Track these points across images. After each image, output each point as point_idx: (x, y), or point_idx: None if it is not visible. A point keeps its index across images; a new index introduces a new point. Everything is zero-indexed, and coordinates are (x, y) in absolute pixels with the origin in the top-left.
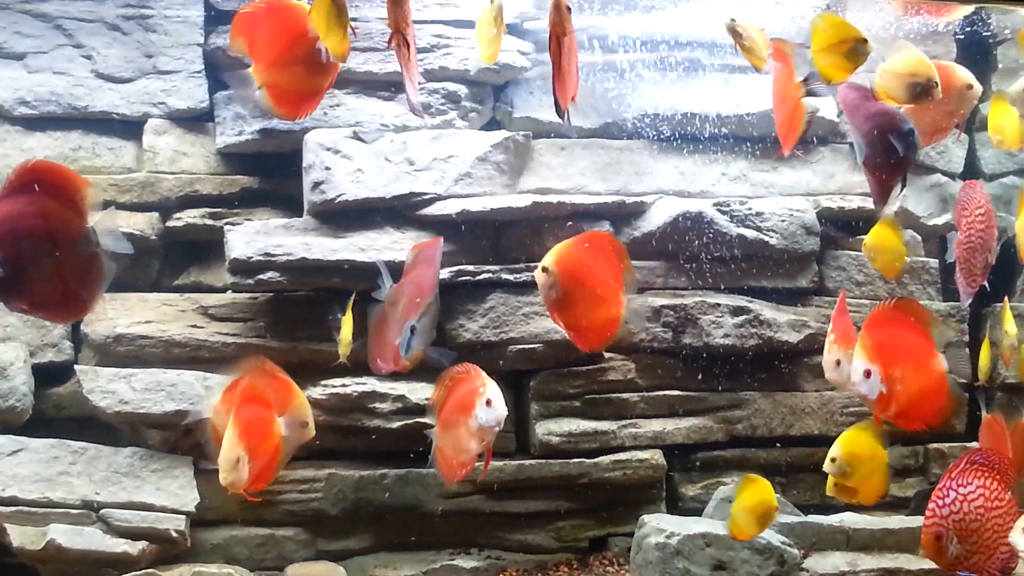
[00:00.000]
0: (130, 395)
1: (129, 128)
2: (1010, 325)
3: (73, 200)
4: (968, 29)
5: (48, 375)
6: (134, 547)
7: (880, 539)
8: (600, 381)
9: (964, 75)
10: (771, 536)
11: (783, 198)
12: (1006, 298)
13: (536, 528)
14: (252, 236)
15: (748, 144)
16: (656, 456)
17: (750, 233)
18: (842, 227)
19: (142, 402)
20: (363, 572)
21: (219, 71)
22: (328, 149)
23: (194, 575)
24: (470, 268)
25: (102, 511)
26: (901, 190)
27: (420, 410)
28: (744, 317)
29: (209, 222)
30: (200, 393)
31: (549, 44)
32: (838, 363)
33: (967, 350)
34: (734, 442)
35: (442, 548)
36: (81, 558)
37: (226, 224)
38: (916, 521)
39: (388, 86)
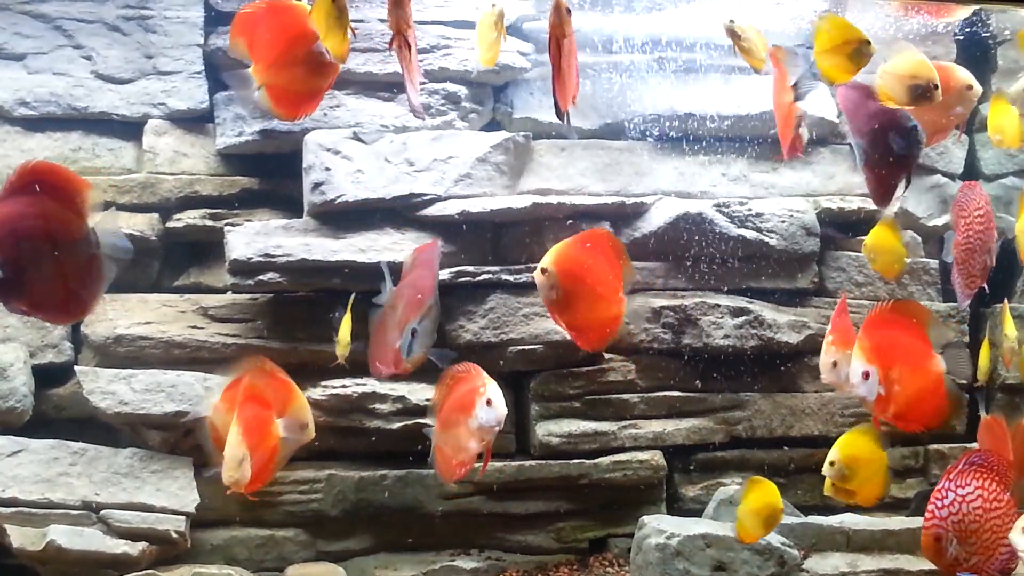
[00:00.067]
0: (130, 396)
1: (129, 129)
2: (1010, 328)
3: (73, 201)
4: (968, 30)
5: (48, 376)
6: (134, 548)
7: (880, 540)
8: (600, 382)
9: (964, 76)
10: (771, 537)
11: (783, 199)
12: (1005, 300)
13: (536, 529)
14: (252, 237)
15: (748, 145)
16: (656, 457)
17: (750, 234)
18: (842, 228)
19: (142, 403)
20: (363, 573)
21: (219, 72)
22: (328, 150)
23: (194, 575)
24: (470, 269)
25: (102, 512)
26: (905, 188)
27: (420, 411)
28: (744, 318)
29: (209, 223)
30: (200, 394)
31: (549, 46)
32: (835, 364)
33: (967, 351)
34: (734, 443)
35: (442, 549)
36: (81, 559)
37: (226, 225)
38: (916, 522)
39: (388, 87)
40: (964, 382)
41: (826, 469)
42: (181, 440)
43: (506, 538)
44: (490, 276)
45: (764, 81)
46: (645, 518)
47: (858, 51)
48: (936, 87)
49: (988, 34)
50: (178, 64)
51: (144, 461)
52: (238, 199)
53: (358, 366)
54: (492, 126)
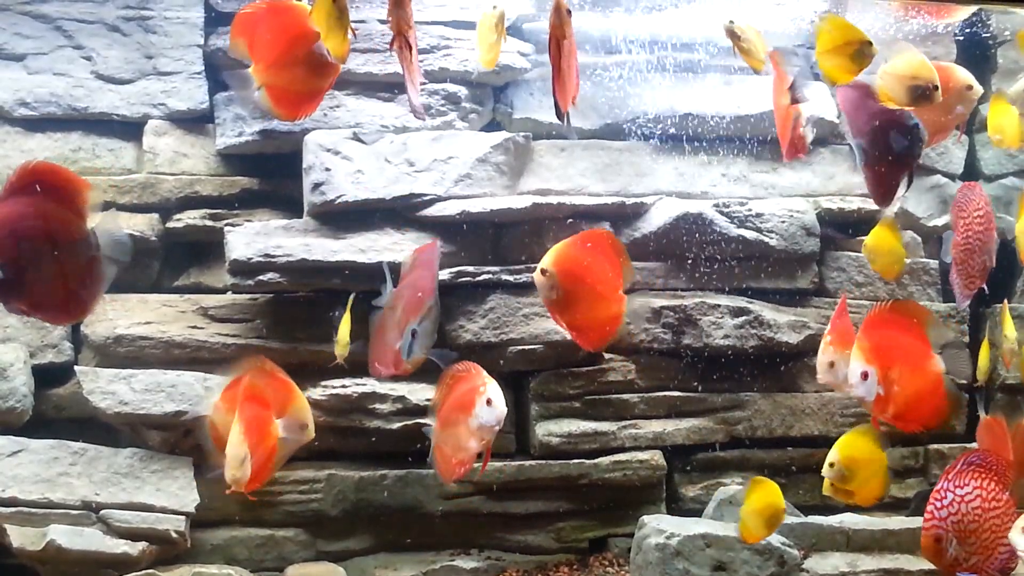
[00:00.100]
0: (130, 396)
1: (129, 129)
2: (1010, 329)
3: (74, 202)
4: (968, 30)
5: (48, 376)
6: (134, 548)
7: (880, 540)
8: (600, 382)
9: (964, 76)
10: (771, 537)
11: (783, 199)
12: (1005, 300)
13: (536, 529)
14: (252, 237)
15: (748, 145)
16: (656, 457)
17: (750, 234)
18: (842, 228)
19: (142, 403)
20: (363, 573)
21: (219, 72)
22: (328, 150)
23: (194, 575)
24: (470, 269)
25: (102, 512)
26: (908, 187)
27: (420, 411)
28: (744, 318)
29: (209, 223)
30: (200, 394)
31: (549, 47)
32: (832, 365)
33: (966, 351)
34: (734, 443)
35: (442, 549)
36: (81, 559)
37: (226, 225)
38: (916, 522)
39: (388, 87)
40: (964, 382)
41: (826, 470)
42: (181, 440)
43: (506, 538)
44: (490, 276)
45: (764, 81)
46: (645, 518)
47: (860, 52)
48: (936, 88)
49: (988, 34)
50: (178, 64)
51: (144, 461)
52: (238, 199)
53: (358, 366)
54: (492, 126)
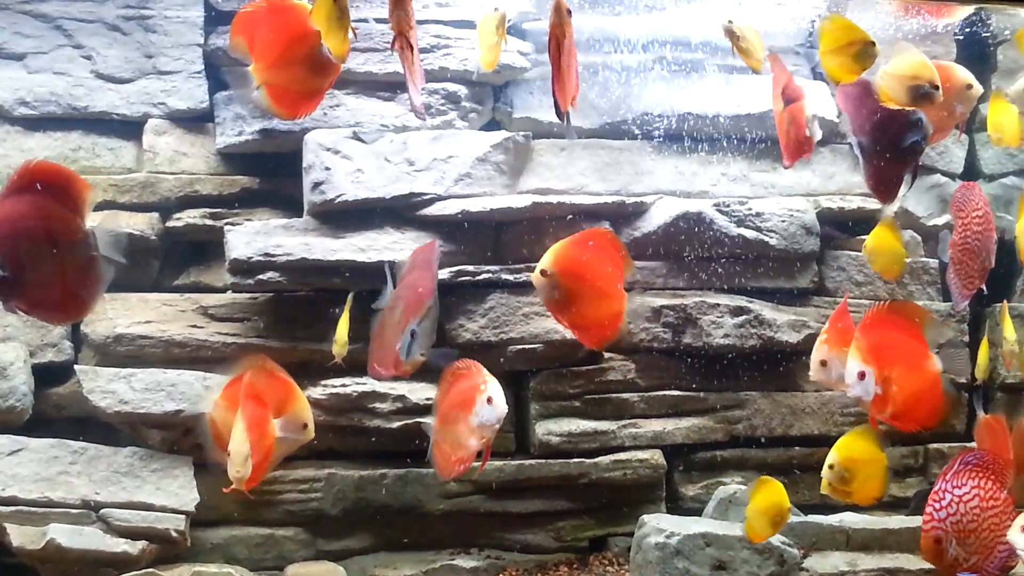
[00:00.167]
0: (130, 395)
1: (129, 128)
2: (1009, 331)
3: (74, 202)
4: (968, 30)
5: (48, 375)
6: (134, 547)
7: (880, 539)
8: (600, 381)
9: (964, 75)
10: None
11: (783, 198)
12: (1005, 301)
13: (536, 528)
14: (252, 236)
15: (748, 144)
16: (656, 456)
17: (750, 233)
18: (842, 227)
19: (142, 402)
20: (363, 572)
21: (219, 71)
22: (328, 149)
23: (194, 575)
24: (470, 268)
25: (102, 511)
26: (912, 183)
27: (420, 410)
28: (744, 317)
29: (209, 222)
30: (200, 393)
31: (549, 46)
32: (824, 363)
33: (965, 350)
34: (734, 442)
35: (442, 548)
36: (81, 558)
37: (226, 224)
38: (916, 521)
39: (388, 87)
40: (963, 381)
41: (825, 472)
42: (181, 439)
43: (506, 537)
44: (490, 275)
45: (764, 80)
46: (645, 517)
47: (863, 52)
48: (937, 87)
49: (988, 34)
50: (178, 64)
51: (144, 460)
52: (238, 199)
53: (358, 365)
54: (492, 126)
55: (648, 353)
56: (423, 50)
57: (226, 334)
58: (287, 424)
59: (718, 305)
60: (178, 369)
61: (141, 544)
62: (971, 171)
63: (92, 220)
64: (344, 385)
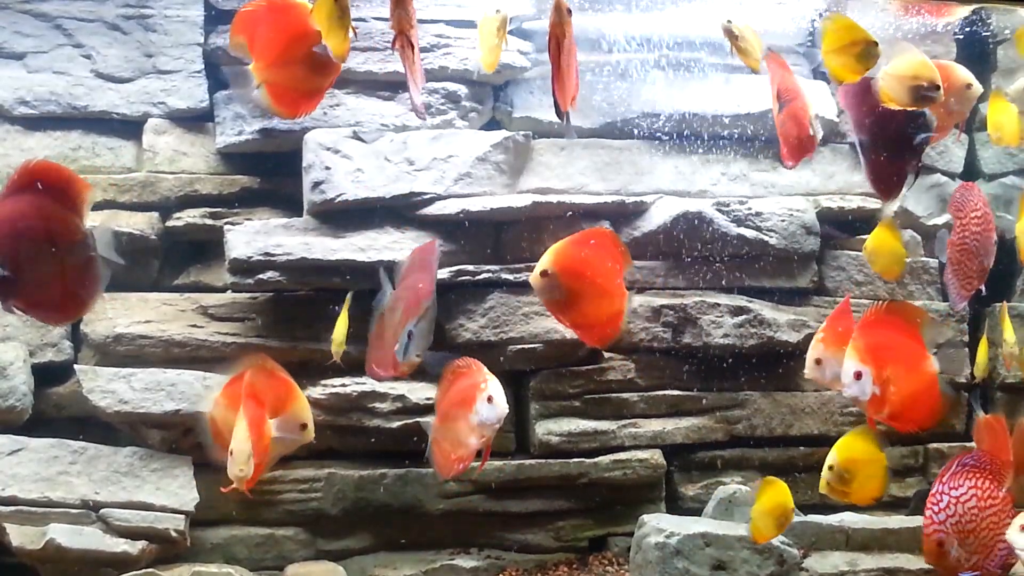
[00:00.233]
0: (130, 395)
1: (129, 128)
2: (1009, 333)
3: (73, 202)
4: (968, 29)
5: (48, 375)
6: (134, 547)
7: (880, 539)
8: (600, 381)
9: (963, 74)
10: None
11: (783, 198)
12: (1004, 303)
13: (536, 528)
14: (252, 236)
15: (748, 144)
16: (656, 456)
17: (750, 233)
18: (842, 227)
19: (142, 402)
20: (363, 572)
21: (219, 71)
22: (328, 149)
23: (194, 575)
24: (470, 268)
25: (102, 511)
26: (915, 178)
27: (420, 410)
28: (744, 317)
29: (209, 222)
30: (200, 393)
31: (549, 46)
32: (818, 362)
33: (965, 350)
34: (734, 442)
35: (442, 548)
36: (81, 558)
37: (226, 224)
38: (916, 521)
39: (388, 86)
40: (963, 380)
41: (825, 473)
42: (181, 439)
43: (506, 537)
44: (490, 275)
45: (764, 80)
46: (645, 517)
47: (865, 51)
48: (938, 87)
49: (988, 33)
50: (178, 63)
51: (144, 460)
52: (238, 198)
53: (358, 365)
54: (492, 125)
55: (648, 353)
56: (423, 49)
57: (226, 334)
58: (283, 424)
59: (718, 305)
60: (178, 369)
61: (141, 544)
62: (971, 171)
63: (92, 220)
64: (344, 385)
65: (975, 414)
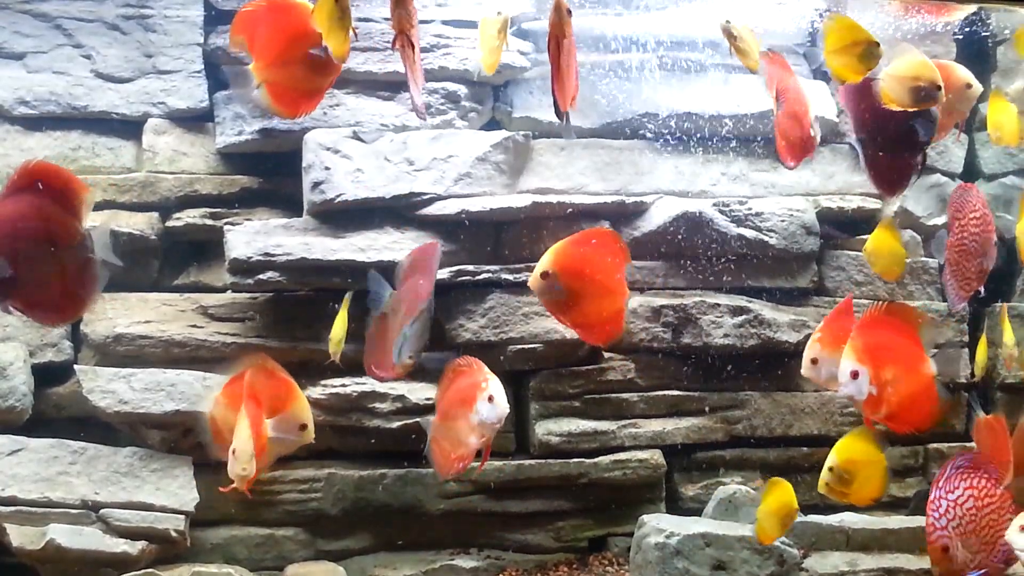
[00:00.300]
0: (130, 395)
1: (129, 128)
2: (1009, 336)
3: (71, 203)
4: (967, 29)
5: (48, 375)
6: (134, 547)
7: (880, 539)
8: (600, 381)
9: (963, 74)
10: None
11: (783, 198)
12: (1004, 305)
13: (536, 528)
14: (252, 236)
15: (748, 144)
16: (656, 456)
17: (750, 233)
18: (842, 227)
19: (142, 402)
20: (363, 572)
21: (219, 71)
22: (328, 149)
23: (194, 575)
24: (470, 268)
25: (102, 511)
26: (919, 173)
27: (420, 410)
28: (744, 317)
29: (209, 222)
30: (200, 393)
31: (548, 46)
32: (814, 361)
33: (965, 350)
34: (734, 442)
35: (442, 548)
36: (81, 558)
37: (226, 224)
38: (916, 521)
39: (388, 86)
40: (963, 380)
41: (825, 474)
42: (181, 439)
43: (505, 537)
44: (490, 275)
45: (764, 80)
46: (645, 517)
47: (867, 52)
48: (939, 88)
49: (987, 33)
50: (178, 63)
51: (144, 460)
52: (238, 198)
53: (358, 365)
54: (492, 125)
55: (648, 353)
56: (423, 49)
57: (226, 334)
58: (281, 424)
59: (718, 305)
60: (178, 369)
61: (141, 544)
62: (971, 171)
63: (91, 221)
64: (344, 385)
65: (975, 414)
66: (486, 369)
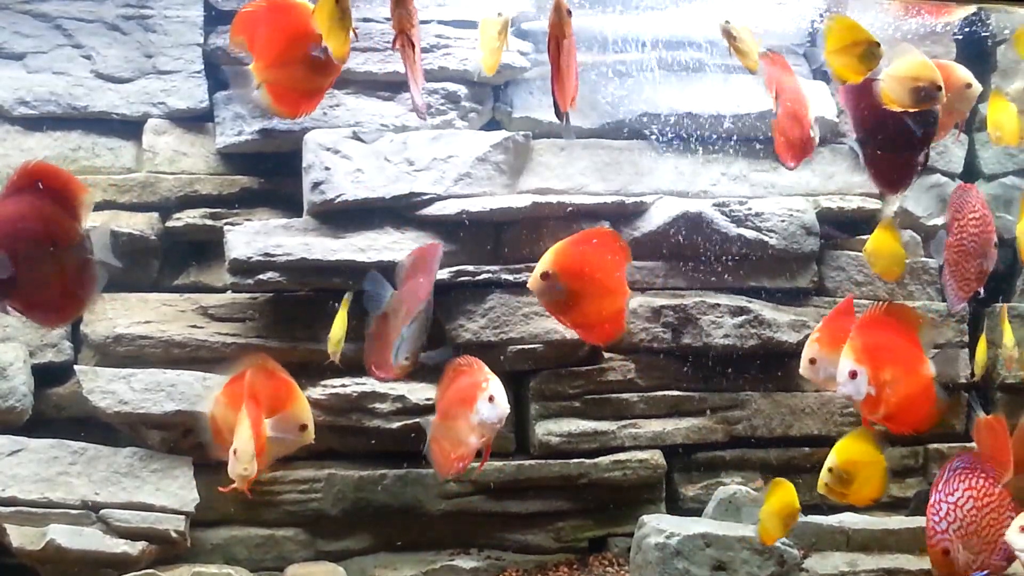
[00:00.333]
0: (130, 395)
1: (129, 128)
2: (1008, 337)
3: (70, 204)
4: (967, 29)
5: (48, 375)
6: (134, 547)
7: (880, 539)
8: (600, 381)
9: (963, 74)
10: None
11: (783, 198)
12: (1004, 305)
13: (536, 528)
14: (252, 236)
15: (748, 144)
16: (656, 456)
17: (750, 233)
18: (842, 227)
19: (142, 402)
20: (363, 572)
21: (219, 71)
22: (328, 149)
23: (194, 575)
24: (470, 268)
25: (102, 511)
26: (922, 170)
27: (420, 411)
28: (744, 317)
29: (209, 222)
30: (200, 393)
31: (548, 46)
32: (812, 361)
33: (965, 350)
34: (734, 442)
35: (442, 548)
36: (81, 558)
37: (226, 224)
38: (916, 521)
39: (388, 86)
40: (963, 380)
41: (824, 475)
42: (181, 439)
43: (506, 537)
44: (490, 275)
45: (763, 80)
46: (645, 517)
47: (867, 52)
48: (940, 88)
49: (987, 33)
50: (178, 63)
51: (144, 460)
52: (238, 198)
53: (358, 365)
54: (492, 125)
55: (648, 353)
56: (423, 50)
57: (226, 334)
58: (281, 424)
59: (718, 305)
60: (178, 369)
61: (141, 545)
62: (971, 171)
63: (91, 221)
64: (344, 385)
65: (975, 414)
66: (486, 369)
